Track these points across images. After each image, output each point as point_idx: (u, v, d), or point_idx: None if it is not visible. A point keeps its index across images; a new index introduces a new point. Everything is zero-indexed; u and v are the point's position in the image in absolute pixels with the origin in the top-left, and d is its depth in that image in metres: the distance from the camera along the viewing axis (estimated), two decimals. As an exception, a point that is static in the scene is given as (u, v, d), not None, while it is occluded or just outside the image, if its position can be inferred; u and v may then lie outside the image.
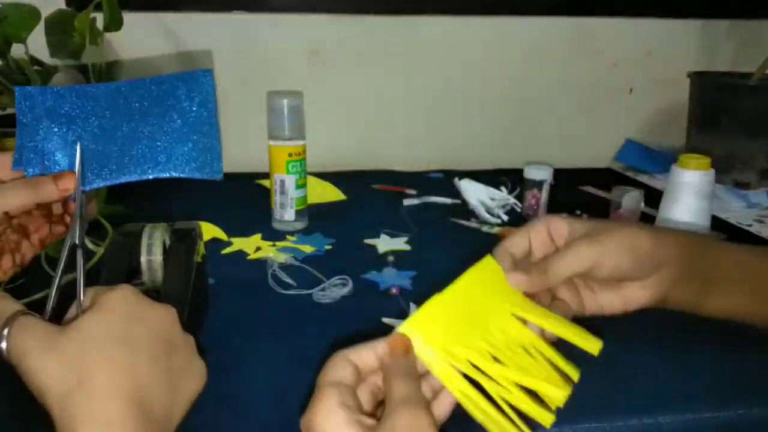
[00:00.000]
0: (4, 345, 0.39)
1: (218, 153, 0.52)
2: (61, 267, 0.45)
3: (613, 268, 0.47)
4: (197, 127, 0.51)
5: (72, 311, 0.43)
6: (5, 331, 0.39)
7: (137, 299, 0.42)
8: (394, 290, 0.67)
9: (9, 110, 0.78)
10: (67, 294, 0.44)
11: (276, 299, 0.65)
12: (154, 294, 0.53)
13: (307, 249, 0.78)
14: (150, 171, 0.50)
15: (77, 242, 0.46)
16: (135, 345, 0.39)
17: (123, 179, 0.49)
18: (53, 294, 0.44)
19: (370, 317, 0.61)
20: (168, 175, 0.50)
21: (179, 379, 0.41)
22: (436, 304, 0.43)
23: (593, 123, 1.23)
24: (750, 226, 0.91)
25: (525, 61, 1.17)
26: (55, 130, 0.49)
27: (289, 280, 0.69)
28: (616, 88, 1.22)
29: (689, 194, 0.71)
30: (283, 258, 0.74)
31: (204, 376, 0.43)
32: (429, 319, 0.42)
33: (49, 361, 0.37)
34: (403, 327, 0.41)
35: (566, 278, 0.48)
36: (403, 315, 0.61)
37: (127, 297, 0.41)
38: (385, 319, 0.60)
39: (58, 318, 0.42)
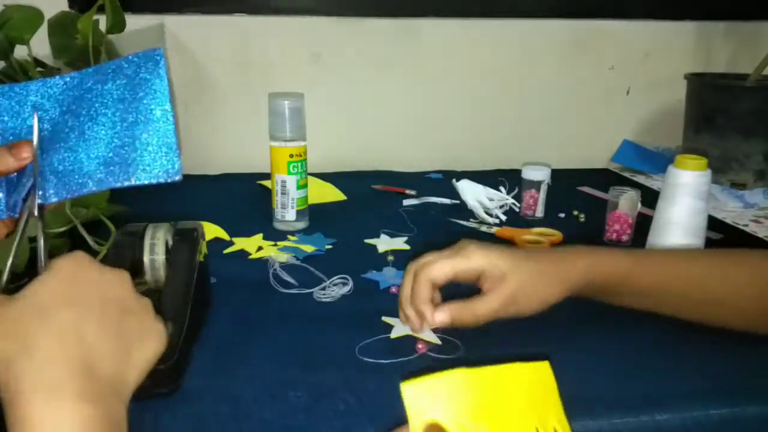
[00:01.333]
0: None
1: (176, 152, 0.46)
2: (18, 238, 0.43)
3: (526, 314, 0.56)
4: (152, 126, 0.46)
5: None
6: None
7: (88, 263, 0.41)
8: (393, 289, 0.67)
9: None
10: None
11: (277, 298, 0.66)
12: (157, 293, 0.54)
13: (308, 248, 0.78)
14: (104, 182, 0.45)
15: (35, 213, 0.44)
16: (82, 308, 0.38)
17: (78, 193, 0.45)
18: (8, 267, 0.42)
19: (370, 316, 0.61)
20: (124, 184, 0.45)
21: (132, 341, 0.40)
22: (458, 377, 0.36)
23: (591, 124, 1.24)
24: (746, 226, 0.92)
25: (523, 63, 1.18)
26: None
27: (290, 280, 0.70)
28: (613, 89, 1.23)
29: (686, 195, 0.71)
30: (284, 257, 0.75)
31: (163, 338, 0.42)
32: (441, 390, 0.35)
33: None
34: (408, 387, 0.35)
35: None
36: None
37: (76, 261, 0.40)
38: (385, 318, 0.61)
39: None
